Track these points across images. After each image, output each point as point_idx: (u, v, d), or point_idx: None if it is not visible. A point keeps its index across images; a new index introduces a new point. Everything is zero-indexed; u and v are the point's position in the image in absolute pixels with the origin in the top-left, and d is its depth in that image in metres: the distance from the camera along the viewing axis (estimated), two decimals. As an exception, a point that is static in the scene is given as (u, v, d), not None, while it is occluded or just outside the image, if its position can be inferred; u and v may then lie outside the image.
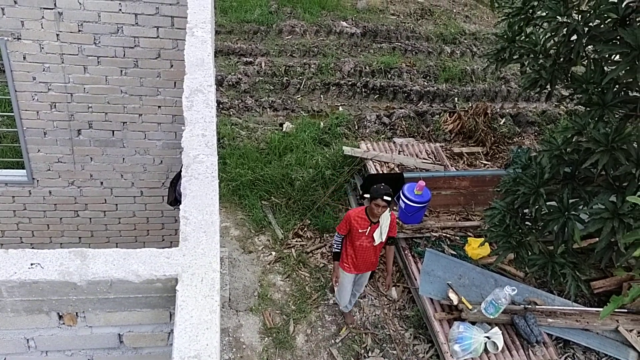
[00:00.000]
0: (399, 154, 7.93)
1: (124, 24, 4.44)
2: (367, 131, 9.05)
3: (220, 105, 9.16)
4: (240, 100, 9.39)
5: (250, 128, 8.80)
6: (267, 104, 9.43)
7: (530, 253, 5.24)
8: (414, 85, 10.21)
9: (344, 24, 11.79)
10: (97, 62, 4.59)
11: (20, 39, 4.37)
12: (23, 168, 5.11)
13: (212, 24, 3.01)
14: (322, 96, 9.92)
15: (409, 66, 10.80)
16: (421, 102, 10.10)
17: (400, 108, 9.86)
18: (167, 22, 4.49)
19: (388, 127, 9.18)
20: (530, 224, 5.31)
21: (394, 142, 8.47)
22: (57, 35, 4.40)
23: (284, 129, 8.79)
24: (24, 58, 4.47)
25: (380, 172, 7.39)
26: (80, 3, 4.29)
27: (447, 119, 9.30)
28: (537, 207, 4.97)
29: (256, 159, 7.86)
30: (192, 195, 2.05)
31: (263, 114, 9.33)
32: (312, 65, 10.29)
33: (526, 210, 5.34)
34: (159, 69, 4.71)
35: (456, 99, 10.15)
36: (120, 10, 4.37)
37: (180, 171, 5.01)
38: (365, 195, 6.31)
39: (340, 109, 9.72)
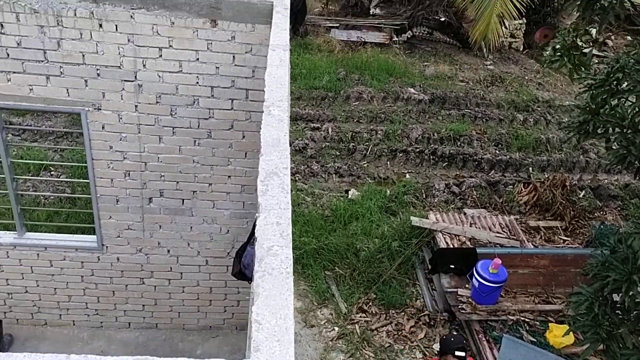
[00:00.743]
0: (470, 226, 7.56)
1: (200, 96, 4.49)
2: (436, 200, 8.75)
3: (287, 171, 9.15)
4: (306, 166, 9.37)
5: (315, 194, 8.70)
6: (333, 169, 9.35)
7: (622, 347, 4.71)
8: (484, 154, 9.89)
9: (412, 90, 11.74)
10: (172, 133, 4.64)
11: (100, 109, 4.49)
12: (94, 234, 5.16)
13: (288, 101, 2.93)
14: (388, 163, 9.76)
15: (479, 134, 10.52)
16: (493, 171, 9.73)
17: (471, 177, 9.53)
18: (242, 94, 4.50)
19: (458, 197, 8.85)
20: (622, 313, 4.81)
21: (465, 214, 8.11)
22: (136, 106, 4.49)
23: (350, 196, 8.63)
24: (103, 127, 4.57)
25: (451, 245, 7.03)
26: (159, 76, 4.37)
27: (521, 189, 8.88)
28: (630, 295, 4.50)
29: (321, 227, 7.70)
30: (265, 295, 1.88)
31: (328, 180, 9.24)
32: (379, 132, 10.21)
33: (617, 299, 4.86)
34: (231, 140, 4.70)
35: (530, 168, 9.73)
36: (197, 83, 4.42)
37: (247, 242, 4.90)
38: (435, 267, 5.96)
39: (407, 176, 9.50)
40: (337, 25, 13.89)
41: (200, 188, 4.92)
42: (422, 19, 14.20)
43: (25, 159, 7.14)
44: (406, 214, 8.18)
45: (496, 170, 9.75)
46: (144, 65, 4.31)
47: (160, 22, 4.15)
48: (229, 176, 4.88)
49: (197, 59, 4.33)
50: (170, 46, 4.26)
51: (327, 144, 9.86)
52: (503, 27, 9.70)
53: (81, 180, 5.15)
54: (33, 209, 6.02)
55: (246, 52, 4.32)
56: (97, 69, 4.31)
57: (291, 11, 12.24)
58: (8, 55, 4.21)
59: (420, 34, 14.06)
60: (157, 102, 4.48)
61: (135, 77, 4.36)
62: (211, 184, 4.91)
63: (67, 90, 4.38)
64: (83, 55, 4.25)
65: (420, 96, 11.50)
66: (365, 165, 9.62)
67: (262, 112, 4.59)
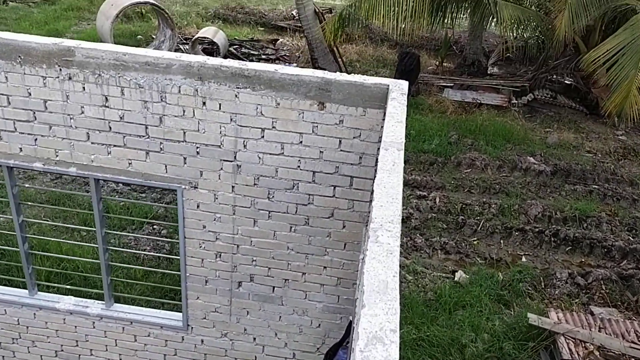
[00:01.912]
0: (599, 331, 6.48)
1: (301, 180, 4.10)
2: (557, 292, 7.71)
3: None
4: (409, 238, 8.72)
5: (417, 272, 8.00)
6: (439, 245, 8.62)
7: None
8: (615, 240, 8.69)
9: (532, 159, 10.79)
10: (268, 217, 4.27)
11: (197, 187, 4.23)
12: (179, 312, 4.87)
13: (400, 220, 2.40)
14: (502, 242, 8.85)
15: (609, 215, 9.33)
16: (625, 262, 8.50)
17: (599, 266, 8.37)
18: (346, 181, 4.05)
19: (583, 291, 7.75)
20: None
21: (592, 313, 7.03)
22: (233, 187, 4.18)
23: (456, 278, 7.84)
24: (198, 206, 4.30)
25: (575, 354, 6.02)
26: (259, 158, 4.04)
27: (660, 288, 7.61)
28: None
29: (422, 314, 6.98)
30: None
31: (433, 256, 8.51)
32: (493, 205, 9.35)
33: None
34: (330, 229, 4.24)
35: (672, 262, 8.38)
36: (298, 167, 4.04)
37: (339, 343, 4.35)
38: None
39: (524, 259, 8.53)
40: (452, 84, 13.32)
41: (293, 277, 4.48)
42: (545, 81, 13.26)
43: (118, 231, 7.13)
44: (521, 306, 7.25)
45: (629, 260, 8.50)
46: (244, 146, 4.00)
47: (265, 103, 3.84)
48: (325, 267, 4.41)
49: (301, 142, 3.95)
50: (273, 127, 3.92)
51: (434, 215, 9.16)
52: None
53: (172, 257, 4.93)
54: (121, 280, 5.90)
55: (354, 137, 3.88)
56: (197, 147, 4.06)
57: (404, 69, 11.81)
58: (110, 128, 4.08)
59: (543, 98, 13.10)
60: (254, 184, 4.15)
61: (235, 157, 4.06)
62: (305, 273, 4.45)
63: (166, 166, 4.17)
64: (184, 133, 4.03)
65: (541, 167, 10.51)
66: (475, 242, 8.79)
67: (367, 202, 4.11)
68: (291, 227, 4.28)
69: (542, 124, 12.39)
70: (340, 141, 3.91)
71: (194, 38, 13.66)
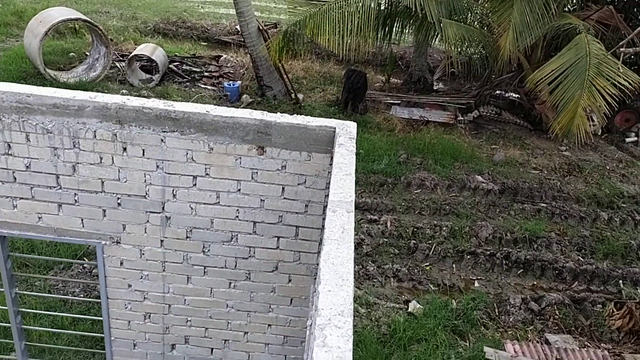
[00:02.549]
0: (556, 363, 6.30)
1: (240, 232, 3.64)
2: (511, 319, 7.51)
3: (339, 271, 8.18)
4: (361, 266, 8.36)
5: (370, 304, 7.64)
6: (391, 272, 8.30)
7: None
8: (566, 261, 8.62)
9: (480, 178, 10.68)
10: (204, 272, 3.79)
11: (119, 243, 3.70)
12: (106, 378, 4.30)
13: (352, 309, 2.00)
14: (454, 266, 8.63)
15: (558, 234, 9.28)
16: (576, 283, 8.43)
17: (551, 289, 8.27)
18: (291, 232, 3.63)
19: (537, 317, 7.58)
20: None
21: (548, 342, 6.85)
22: (162, 241, 3.68)
23: (410, 309, 7.53)
24: (121, 264, 3.78)
25: (535, 391, 5.80)
26: (192, 208, 3.57)
27: (612, 311, 7.54)
28: None
29: (376, 352, 6.61)
30: None
31: (386, 284, 8.18)
32: (444, 228, 9.13)
33: None
34: (274, 283, 3.81)
35: (621, 282, 8.37)
36: (237, 217, 3.59)
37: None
38: None
39: (476, 284, 8.33)
40: (399, 102, 13.15)
41: (234, 337, 4.01)
42: (489, 97, 13.30)
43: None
44: (477, 337, 7.00)
45: (580, 281, 8.44)
46: (174, 195, 3.52)
47: (197, 148, 3.38)
48: (269, 325, 3.96)
49: (239, 190, 3.51)
50: (207, 174, 3.46)
51: (385, 240, 8.85)
52: (590, 122, 8.63)
53: (94, 318, 4.36)
54: (39, 345, 5.24)
55: (299, 184, 3.47)
56: (118, 198, 3.55)
57: (351, 87, 11.50)
58: (15, 179, 3.52)
59: (488, 114, 13.12)
60: (187, 237, 3.66)
61: (163, 208, 3.57)
62: (247, 332, 3.99)
63: (82, 220, 3.63)
64: (102, 182, 3.51)
65: (489, 185, 10.42)
66: (427, 268, 8.52)
67: (315, 253, 3.70)
68: (230, 283, 3.82)
69: (489, 140, 12.36)
70: (283, 188, 3.49)
71: (130, 55, 12.96)
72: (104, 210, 3.60)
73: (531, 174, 11.18)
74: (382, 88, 13.86)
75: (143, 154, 3.41)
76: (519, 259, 8.60)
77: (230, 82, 13.06)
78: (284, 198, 3.51)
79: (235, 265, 3.75)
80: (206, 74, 14.04)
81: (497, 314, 7.62)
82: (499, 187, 10.39)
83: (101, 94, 3.34)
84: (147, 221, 3.62)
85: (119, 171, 3.47)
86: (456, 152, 11.40)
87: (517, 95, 13.15)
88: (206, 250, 3.70)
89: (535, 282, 8.44)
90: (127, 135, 3.35)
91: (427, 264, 8.60)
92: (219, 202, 3.54)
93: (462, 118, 12.86)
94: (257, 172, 3.44)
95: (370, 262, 8.46)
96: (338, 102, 12.67)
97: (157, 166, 3.44)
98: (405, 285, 8.20)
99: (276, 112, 11.62)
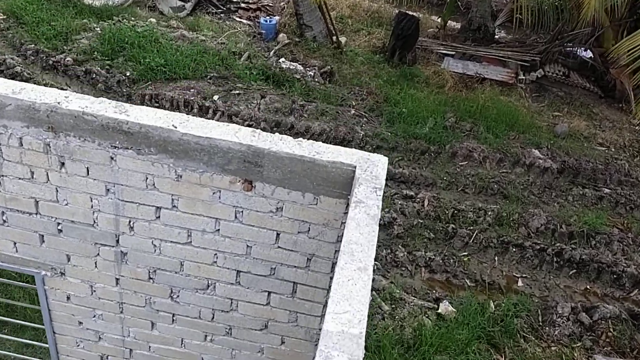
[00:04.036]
0: (606, 402, 5.35)
1: (219, 280, 2.70)
2: (556, 333, 6.53)
3: (364, 254, 7.26)
4: (389, 250, 7.41)
5: (395, 299, 6.74)
6: (423, 260, 7.33)
7: None
8: (627, 265, 7.47)
9: (537, 153, 9.37)
10: (172, 320, 2.90)
11: (64, 274, 2.82)
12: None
13: None
14: (496, 259, 7.59)
15: (621, 230, 8.06)
16: (636, 291, 7.31)
17: (605, 295, 7.20)
18: (287, 288, 2.67)
19: (587, 332, 6.58)
20: None
21: (598, 370, 5.89)
22: (117, 280, 2.78)
23: (440, 310, 6.61)
24: (68, 299, 2.91)
25: None
26: (155, 246, 2.63)
27: (678, 336, 6.46)
28: None
29: (396, 364, 5.78)
30: None
31: (415, 274, 7.24)
32: (489, 212, 8.02)
33: None
34: (262, 344, 2.89)
35: (692, 298, 7.20)
36: (215, 263, 2.64)
37: None
38: None
39: (520, 283, 7.30)
40: (453, 53, 11.67)
41: (212, 393, 3.17)
42: (558, 55, 11.66)
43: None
44: (515, 352, 6.09)
45: (642, 291, 7.33)
46: (130, 228, 2.58)
47: (159, 173, 2.39)
48: (256, 386, 3.09)
49: (217, 231, 2.53)
50: (174, 207, 2.49)
51: (421, 221, 7.82)
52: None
53: (40, 344, 3.54)
54: None
55: (299, 233, 2.47)
56: (59, 224, 2.63)
57: (400, 34, 10.08)
58: None
59: (554, 75, 11.52)
60: (150, 279, 2.75)
61: (117, 241, 2.64)
62: (228, 390, 3.14)
63: (15, 244, 2.74)
64: (36, 202, 2.58)
65: (547, 163, 9.11)
66: (465, 258, 7.51)
67: (318, 316, 2.75)
68: (206, 336, 2.93)
69: (551, 106, 10.88)
70: (277, 235, 2.50)
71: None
72: (42, 236, 2.70)
73: (596, 150, 9.78)
74: (436, 35, 12.32)
75: (87, 173, 2.45)
76: (573, 258, 7.48)
77: (268, 17, 11.76)
78: (279, 247, 2.53)
79: (213, 318, 2.84)
80: (243, 5, 12.74)
81: (540, 323, 6.64)
82: (558, 166, 9.08)
83: (30, 87, 2.34)
84: (98, 254, 2.71)
85: (56, 191, 2.53)
86: (512, 118, 10.01)
87: (589, 56, 11.49)
88: (174, 297, 2.80)
89: (588, 286, 7.36)
90: (64, 147, 2.38)
91: (466, 253, 7.58)
92: (190, 241, 2.59)
93: (524, 77, 11.33)
94: (242, 212, 2.44)
95: (400, 247, 7.50)
96: (384, 49, 11.30)
97: (108, 189, 2.48)
98: (438, 277, 7.25)
99: (314, 55, 10.13)
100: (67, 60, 9.60)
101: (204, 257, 2.63)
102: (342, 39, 11.35)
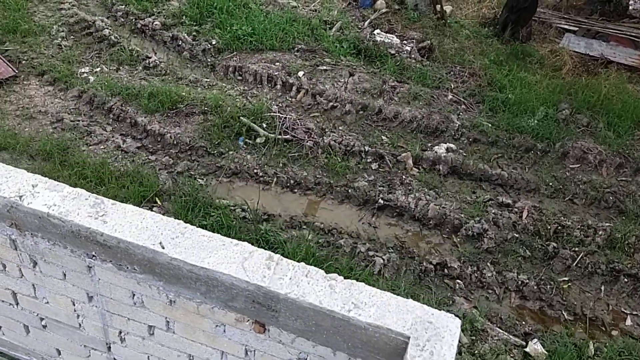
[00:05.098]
0: None
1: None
2: (669, 397, 5.48)
3: (446, 270, 6.47)
4: (476, 268, 6.55)
5: (477, 330, 5.94)
6: (514, 284, 6.41)
7: None
8: None
9: (668, 159, 7.91)
10: None
11: (58, 366, 2.36)
12: None
13: None
14: (603, 288, 6.50)
15: None
16: None
17: None
18: None
19: None
20: None
21: None
22: (113, 385, 2.28)
23: (529, 350, 5.74)
24: (65, 389, 2.47)
25: None
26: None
27: None
28: None
29: (468, 418, 5.06)
30: None
31: (504, 299, 6.35)
32: (600, 231, 6.87)
33: None
34: None
35: None
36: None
37: None
38: None
39: (629, 321, 6.22)
40: (575, 29, 10.11)
41: None
42: None
43: None
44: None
45: None
46: (122, 340, 2.03)
47: (147, 293, 1.79)
48: None
49: (225, 362, 1.91)
50: (169, 329, 1.89)
51: (516, 235, 6.83)
52: None
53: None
54: None
55: (329, 388, 1.79)
56: (42, 319, 2.14)
57: (515, 5, 8.73)
58: None
59: (701, 60, 9.68)
60: (150, 391, 2.22)
61: (109, 349, 2.11)
62: None
63: (1, 328, 2.30)
64: (14, 294, 2.09)
65: (679, 172, 7.69)
66: (565, 285, 6.49)
67: None
68: None
69: (693, 100, 9.16)
70: (301, 383, 1.84)
71: None
72: (26, 327, 2.23)
73: None
74: (557, 6, 10.71)
75: (64, 277, 1.90)
76: (700, 299, 6.25)
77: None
78: (303, 395, 1.89)
79: None
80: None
81: (649, 382, 5.61)
82: (693, 177, 7.63)
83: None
84: (89, 356, 2.21)
85: (33, 287, 2.02)
86: (640, 114, 8.53)
87: None
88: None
89: None
90: (33, 247, 1.84)
91: (566, 279, 6.55)
92: (193, 366, 2.01)
93: (661, 62, 9.61)
94: (254, 352, 1.80)
95: (488, 264, 6.61)
96: (495, 22, 9.98)
97: (90, 297, 1.93)
98: (530, 305, 6.32)
99: (413, 27, 8.95)
100: (155, 25, 9.27)
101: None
102: (448, 8, 10.13)
